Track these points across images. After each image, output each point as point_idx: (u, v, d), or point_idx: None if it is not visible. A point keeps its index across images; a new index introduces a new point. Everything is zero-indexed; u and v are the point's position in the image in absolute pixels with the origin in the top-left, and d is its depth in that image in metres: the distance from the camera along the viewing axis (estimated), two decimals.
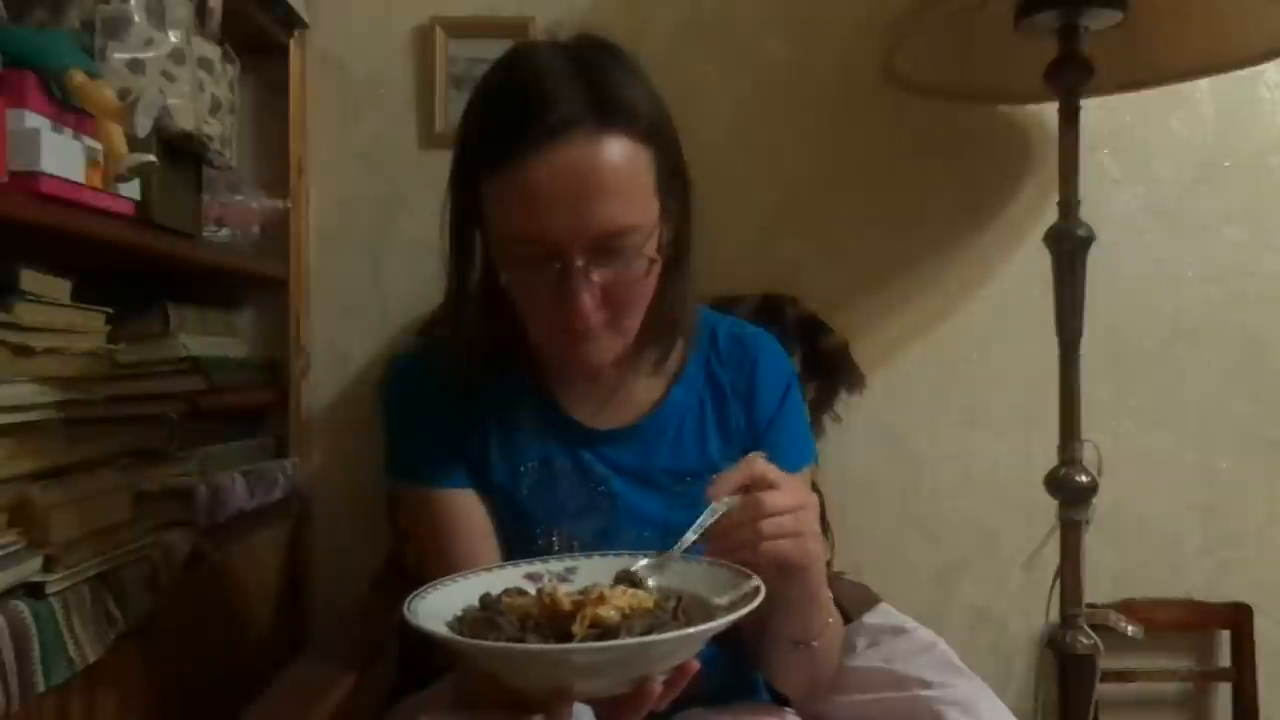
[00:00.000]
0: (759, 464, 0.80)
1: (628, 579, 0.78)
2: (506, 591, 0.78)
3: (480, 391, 0.97)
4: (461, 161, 0.88)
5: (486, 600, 0.77)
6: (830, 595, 0.90)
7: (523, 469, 0.97)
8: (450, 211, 0.91)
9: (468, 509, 0.96)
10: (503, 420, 0.98)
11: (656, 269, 0.86)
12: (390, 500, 1.46)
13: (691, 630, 0.67)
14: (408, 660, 1.37)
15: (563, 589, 0.75)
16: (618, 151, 0.81)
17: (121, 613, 0.97)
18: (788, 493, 0.79)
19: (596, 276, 0.82)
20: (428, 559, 0.98)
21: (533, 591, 0.78)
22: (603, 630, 0.68)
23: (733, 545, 0.79)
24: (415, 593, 0.75)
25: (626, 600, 0.72)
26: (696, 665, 0.70)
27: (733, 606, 0.72)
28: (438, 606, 0.75)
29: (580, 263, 0.81)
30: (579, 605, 0.71)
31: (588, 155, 0.80)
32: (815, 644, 0.89)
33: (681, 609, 0.73)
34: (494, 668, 0.71)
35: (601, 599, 0.71)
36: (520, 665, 0.68)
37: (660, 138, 0.85)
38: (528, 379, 0.98)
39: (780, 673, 0.98)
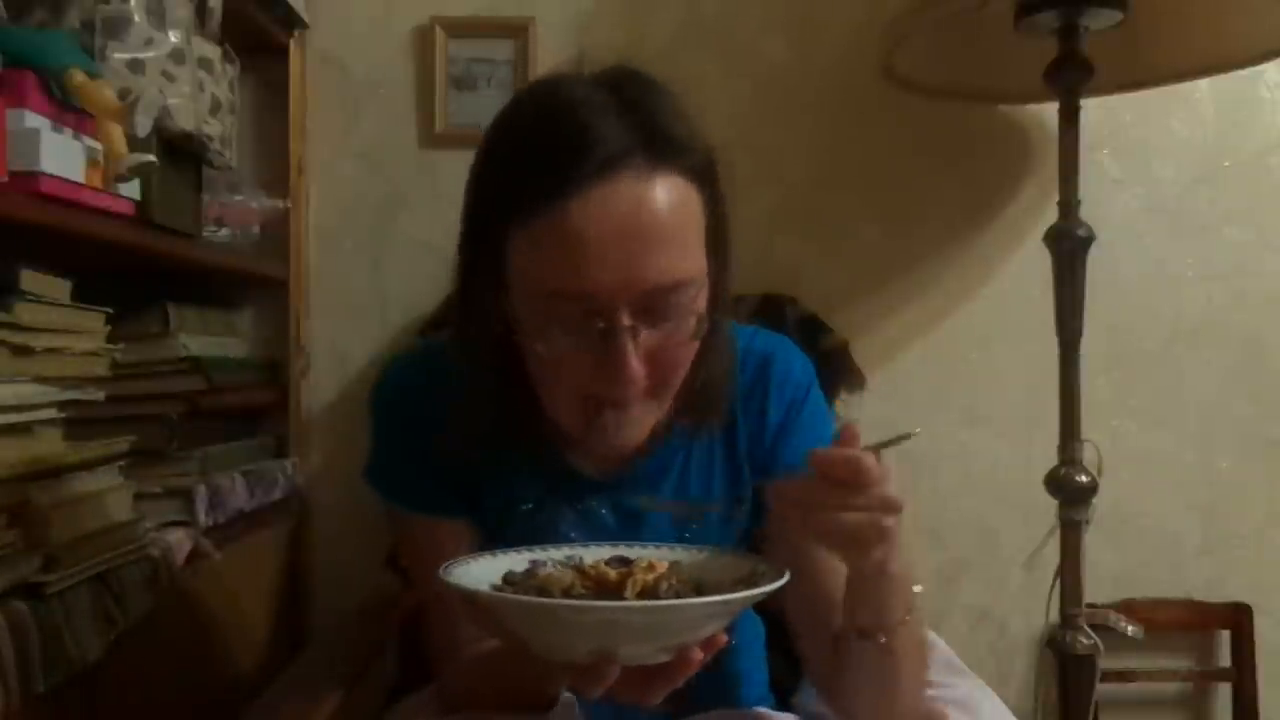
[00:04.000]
0: (877, 476, 0.71)
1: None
2: (534, 564, 0.77)
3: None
4: (478, 214, 0.77)
5: (515, 576, 0.73)
6: (917, 593, 0.79)
7: (518, 510, 0.90)
8: (461, 272, 0.79)
9: (455, 537, 0.89)
10: (499, 460, 0.88)
11: (704, 329, 0.76)
12: None
13: (751, 592, 0.66)
14: (408, 660, 1.38)
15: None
16: (670, 193, 0.72)
17: (121, 613, 0.97)
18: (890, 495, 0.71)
19: (644, 338, 0.72)
20: (412, 571, 0.97)
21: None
22: (653, 598, 0.68)
23: (801, 517, 0.70)
24: (442, 568, 0.71)
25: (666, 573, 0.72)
26: (725, 639, 0.66)
27: (760, 579, 0.71)
28: (467, 582, 0.72)
29: (628, 322, 0.71)
30: (624, 575, 0.70)
31: (638, 196, 0.70)
32: (883, 640, 0.78)
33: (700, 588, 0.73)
34: (544, 631, 0.68)
35: (651, 567, 0.71)
36: (575, 624, 0.65)
37: (711, 179, 0.77)
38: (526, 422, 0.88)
39: (851, 693, 0.85)
